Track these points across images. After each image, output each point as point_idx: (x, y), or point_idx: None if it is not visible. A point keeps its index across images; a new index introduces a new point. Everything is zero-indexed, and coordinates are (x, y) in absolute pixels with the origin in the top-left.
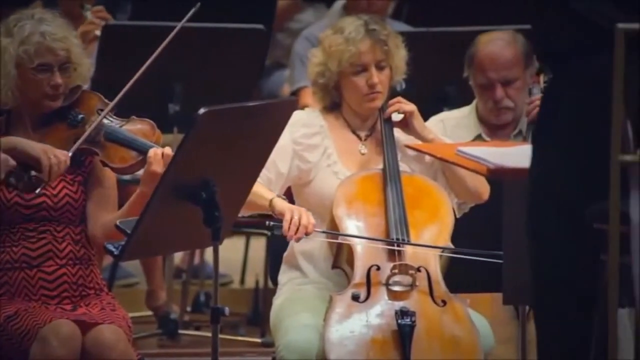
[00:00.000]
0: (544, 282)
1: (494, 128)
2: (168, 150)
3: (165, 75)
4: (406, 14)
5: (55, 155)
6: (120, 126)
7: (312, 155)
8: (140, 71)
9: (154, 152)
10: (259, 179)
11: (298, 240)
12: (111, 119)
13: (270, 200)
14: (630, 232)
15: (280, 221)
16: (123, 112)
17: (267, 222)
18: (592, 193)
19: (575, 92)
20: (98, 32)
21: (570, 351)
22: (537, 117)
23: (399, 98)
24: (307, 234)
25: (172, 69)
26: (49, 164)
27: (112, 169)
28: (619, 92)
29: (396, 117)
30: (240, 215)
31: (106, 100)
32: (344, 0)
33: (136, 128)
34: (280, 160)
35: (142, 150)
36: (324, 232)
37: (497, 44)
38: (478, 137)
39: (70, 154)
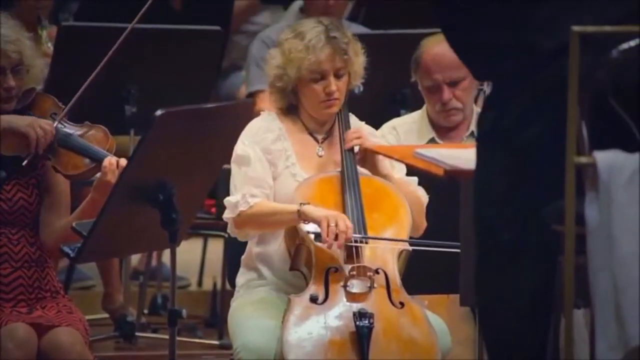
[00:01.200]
0: (492, 283)
1: (446, 130)
2: (123, 161)
3: (121, 77)
4: (363, 16)
5: (41, 127)
6: (79, 134)
7: (281, 163)
8: (94, 74)
9: (109, 162)
10: (259, 199)
11: (340, 246)
12: (65, 123)
13: (298, 211)
14: (585, 233)
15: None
16: (78, 114)
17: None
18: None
19: (525, 96)
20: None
21: (526, 354)
22: (481, 119)
23: (362, 132)
24: (346, 240)
25: (129, 71)
26: (36, 137)
27: (65, 175)
28: (574, 94)
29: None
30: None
31: (60, 104)
32: (301, 3)
33: (90, 134)
34: (266, 174)
35: (96, 158)
36: (363, 237)
37: (442, 45)
38: (431, 141)
39: (55, 125)
